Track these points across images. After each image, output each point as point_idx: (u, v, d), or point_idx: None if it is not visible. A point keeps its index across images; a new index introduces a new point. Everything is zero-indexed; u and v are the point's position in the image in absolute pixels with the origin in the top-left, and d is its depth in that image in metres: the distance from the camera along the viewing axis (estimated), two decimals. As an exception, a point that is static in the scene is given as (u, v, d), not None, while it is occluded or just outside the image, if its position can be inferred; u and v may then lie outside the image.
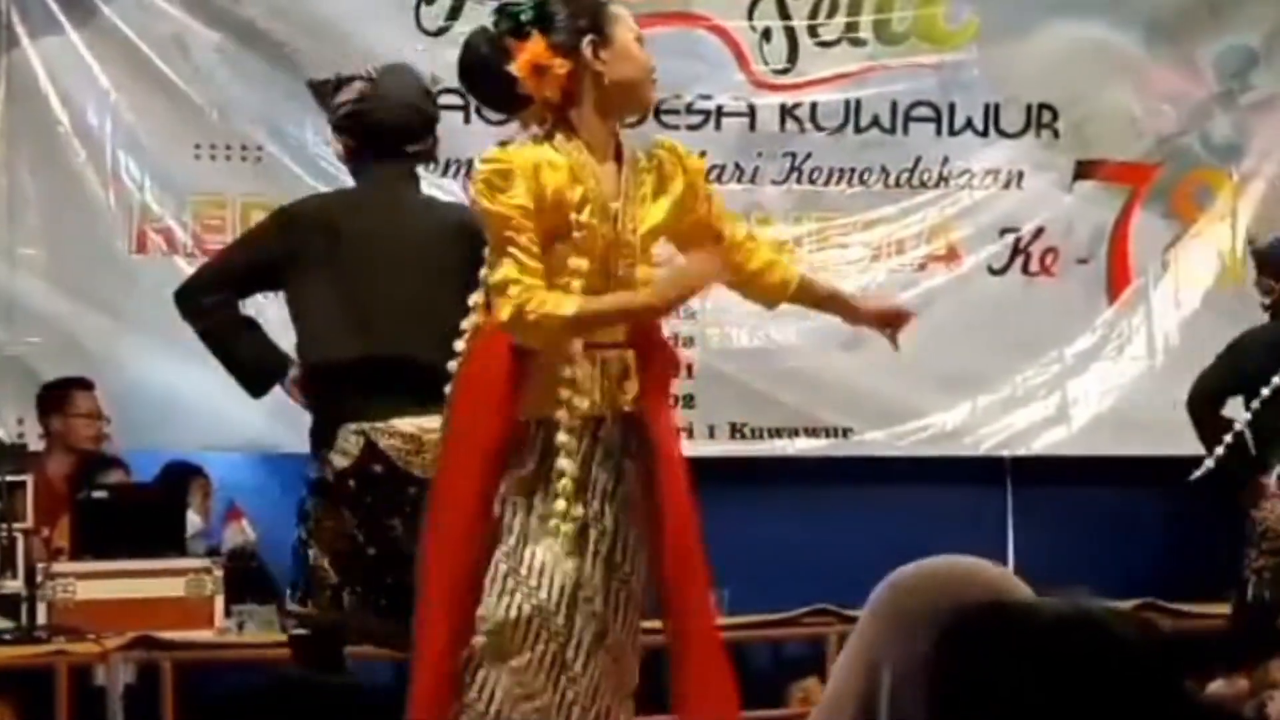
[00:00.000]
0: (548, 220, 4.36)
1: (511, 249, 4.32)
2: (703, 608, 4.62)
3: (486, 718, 4.35)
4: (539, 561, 4.38)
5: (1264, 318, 7.34)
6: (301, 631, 5.38)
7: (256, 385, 5.72)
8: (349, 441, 5.23)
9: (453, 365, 4.58)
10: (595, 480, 4.48)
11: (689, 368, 8.63)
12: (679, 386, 8.61)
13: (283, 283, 5.54)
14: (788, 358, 8.84)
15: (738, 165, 8.83)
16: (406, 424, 5.18)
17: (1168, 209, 9.18)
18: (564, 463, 4.39)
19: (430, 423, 4.96)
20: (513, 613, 4.35)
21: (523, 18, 4.49)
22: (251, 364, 5.64)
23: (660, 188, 4.59)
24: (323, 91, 5.64)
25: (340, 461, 5.25)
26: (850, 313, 5.16)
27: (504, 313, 4.32)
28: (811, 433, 8.89)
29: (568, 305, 4.30)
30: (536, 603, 4.35)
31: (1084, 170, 9.14)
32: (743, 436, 8.83)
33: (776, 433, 8.87)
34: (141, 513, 7.43)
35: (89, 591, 7.04)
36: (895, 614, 2.19)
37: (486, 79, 4.56)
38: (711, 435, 8.74)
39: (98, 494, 7.51)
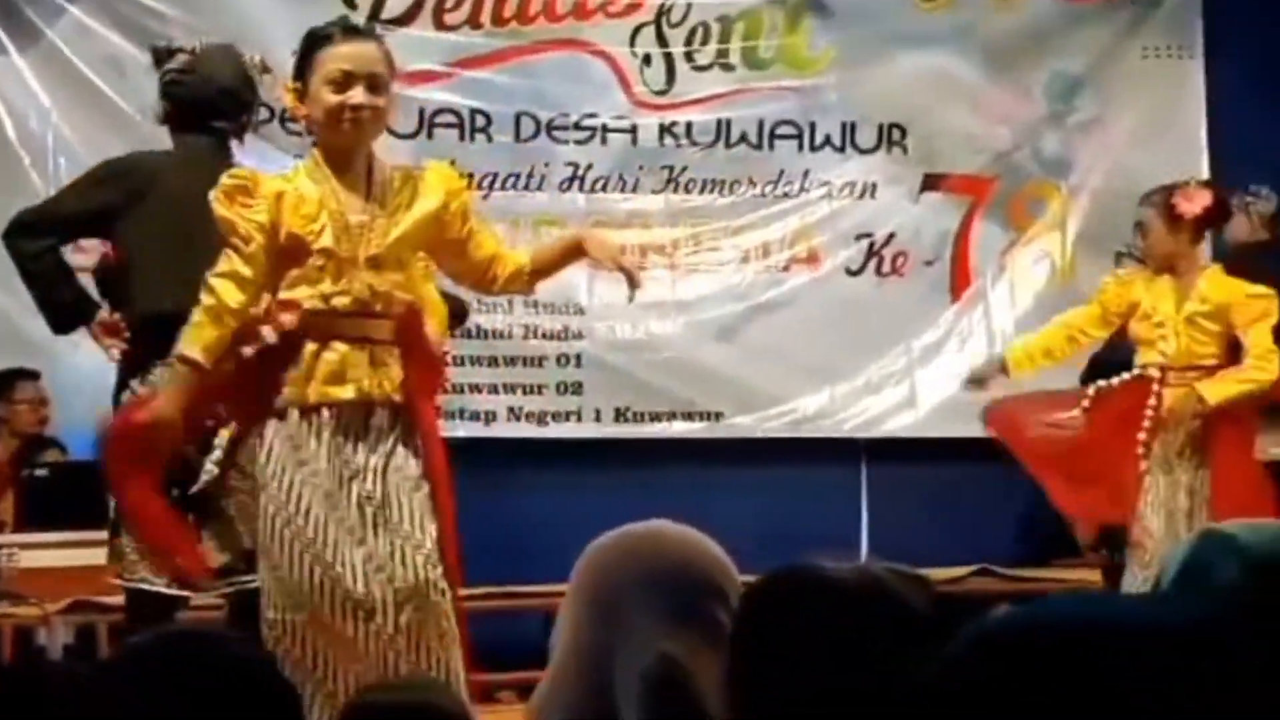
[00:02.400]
0: (282, 237, 4.49)
1: (230, 253, 4.49)
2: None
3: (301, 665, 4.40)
4: (333, 538, 4.42)
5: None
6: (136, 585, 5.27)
7: (65, 324, 5.66)
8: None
9: None
10: (368, 460, 4.52)
11: (578, 358, 8.67)
12: (568, 374, 8.67)
13: (108, 231, 5.50)
14: (666, 349, 8.84)
15: (621, 177, 8.82)
16: None
17: (1004, 218, 9.20)
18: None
19: None
20: (317, 581, 4.41)
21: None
22: (66, 305, 5.57)
23: (411, 203, 4.59)
24: (158, 57, 5.59)
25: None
26: (578, 253, 4.92)
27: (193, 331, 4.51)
28: (688, 417, 8.87)
29: (196, 337, 4.51)
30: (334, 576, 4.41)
31: (930, 183, 9.15)
32: (626, 420, 8.81)
33: (656, 417, 8.85)
34: (79, 489, 7.34)
35: (31, 560, 7.01)
36: (593, 584, 2.18)
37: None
38: (598, 419, 8.74)
39: (39, 472, 7.47)
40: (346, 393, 4.50)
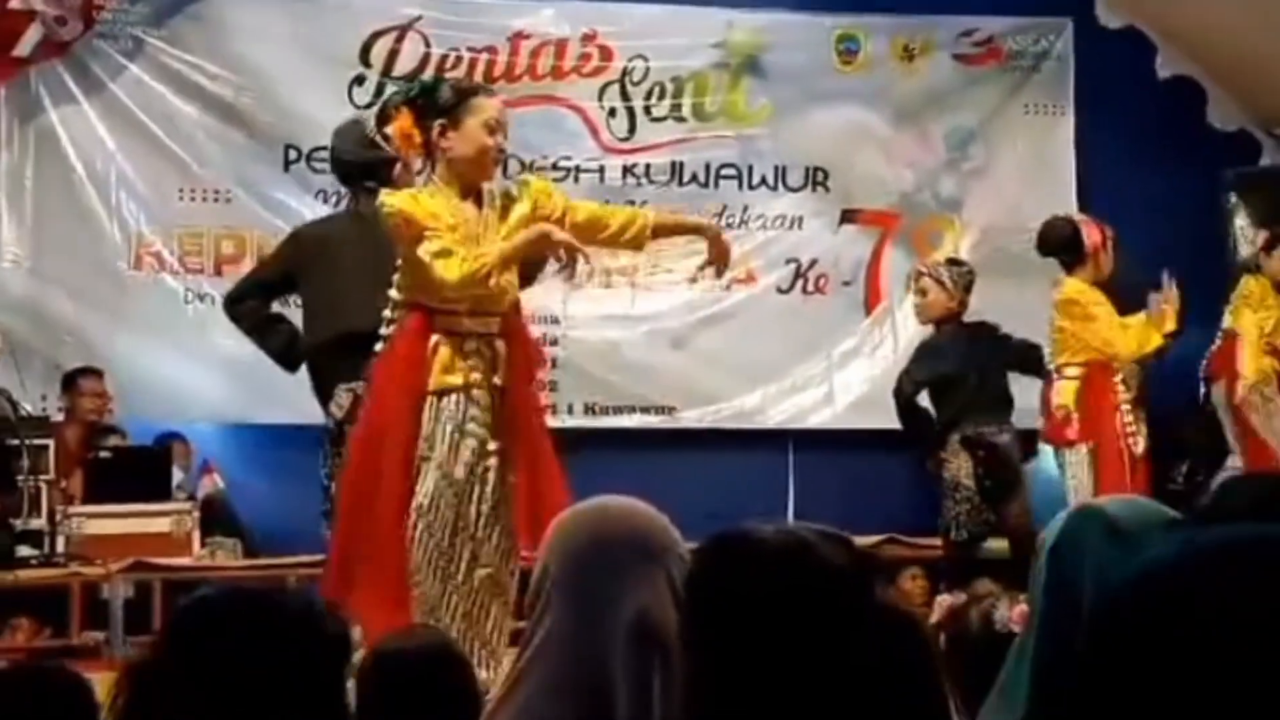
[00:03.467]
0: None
1: (428, 234, 4.41)
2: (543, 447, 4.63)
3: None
4: (430, 500, 4.44)
5: None
6: None
7: (288, 365, 5.74)
8: (342, 398, 5.24)
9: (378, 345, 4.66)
10: (475, 437, 4.51)
11: (553, 360, 8.70)
12: (545, 375, 8.70)
13: (295, 288, 5.71)
14: (628, 354, 8.84)
15: (591, 210, 8.84)
16: None
17: (909, 246, 9.16)
18: (467, 424, 4.47)
19: None
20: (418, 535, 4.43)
21: (405, 95, 4.68)
22: (280, 350, 5.71)
23: (506, 211, 4.62)
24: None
25: (338, 413, 5.26)
26: (696, 232, 5.13)
27: (451, 272, 4.38)
28: (645, 411, 8.85)
29: (487, 255, 4.42)
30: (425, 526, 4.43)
31: (847, 216, 9.15)
32: (593, 413, 8.79)
33: (620, 410, 8.83)
34: (136, 468, 7.38)
35: (96, 528, 7.01)
36: (566, 548, 2.14)
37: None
38: (570, 412, 8.70)
39: (103, 454, 7.44)
40: (457, 379, 4.49)
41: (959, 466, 6.88)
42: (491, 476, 4.53)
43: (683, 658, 1.90)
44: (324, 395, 5.38)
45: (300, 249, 5.65)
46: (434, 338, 4.49)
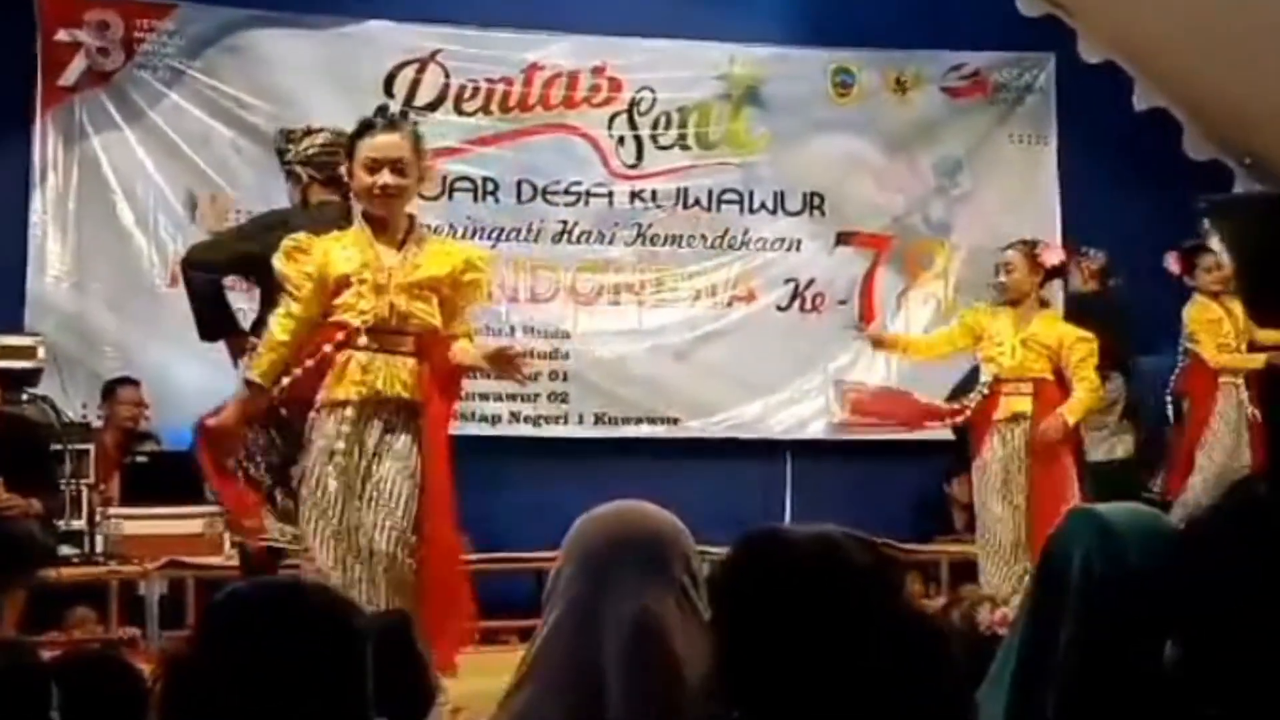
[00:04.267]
0: (331, 280, 4.53)
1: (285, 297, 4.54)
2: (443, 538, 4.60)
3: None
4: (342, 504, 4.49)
5: None
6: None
7: (207, 335, 5.65)
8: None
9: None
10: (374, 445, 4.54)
11: (563, 373, 8.70)
12: (558, 386, 8.70)
13: (249, 275, 5.48)
14: (635, 367, 8.82)
15: (600, 232, 8.84)
16: None
17: (900, 268, 9.19)
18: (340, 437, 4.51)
19: None
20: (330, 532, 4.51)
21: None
22: (208, 322, 5.59)
23: (437, 260, 4.59)
24: (291, 136, 5.52)
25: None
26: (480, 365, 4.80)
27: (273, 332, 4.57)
28: (652, 421, 8.84)
29: (256, 364, 4.61)
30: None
31: (843, 239, 9.14)
32: (602, 423, 8.77)
33: (627, 420, 8.82)
34: (170, 473, 7.33)
35: (133, 529, 7.00)
36: (581, 548, 2.13)
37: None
38: (581, 422, 8.71)
39: (140, 459, 7.46)
40: (360, 391, 4.50)
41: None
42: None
43: (712, 653, 1.89)
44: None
45: (265, 237, 5.23)
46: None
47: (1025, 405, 6.51)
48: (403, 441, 4.54)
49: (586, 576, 2.08)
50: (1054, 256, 6.73)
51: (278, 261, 4.56)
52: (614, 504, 2.19)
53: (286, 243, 4.59)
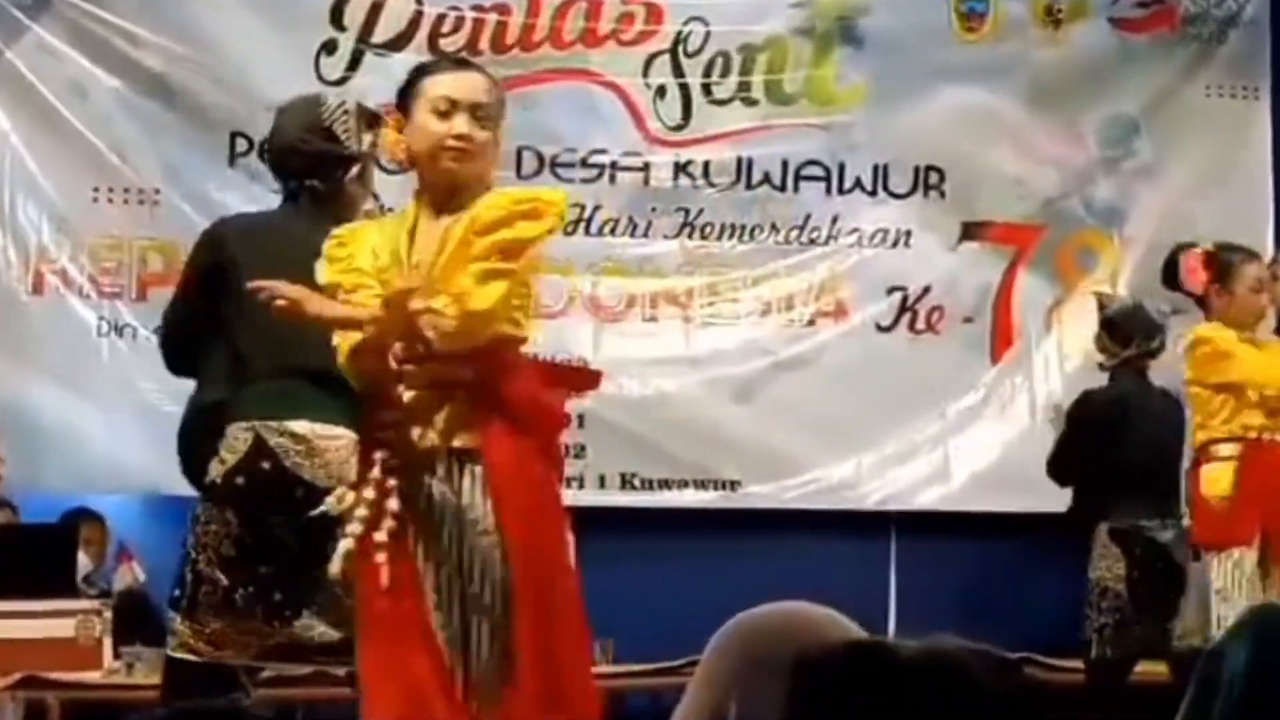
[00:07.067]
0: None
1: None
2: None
3: None
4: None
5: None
6: (183, 655, 5.06)
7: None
8: (238, 439, 5.07)
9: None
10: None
11: (580, 417, 8.68)
12: (570, 436, 8.68)
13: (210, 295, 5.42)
14: (678, 408, 8.87)
15: (631, 219, 8.90)
16: (300, 425, 5.05)
17: (1051, 271, 9.25)
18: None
19: (326, 430, 4.99)
20: None
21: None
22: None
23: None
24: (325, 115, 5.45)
25: (229, 459, 5.07)
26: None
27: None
28: (700, 485, 8.88)
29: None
30: None
31: (970, 231, 9.20)
32: (633, 487, 8.82)
33: (666, 484, 8.86)
34: (31, 553, 7.38)
35: (-23, 631, 7.04)
36: (742, 654, 2.23)
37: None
38: (602, 485, 8.75)
39: (-13, 535, 7.49)
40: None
41: (1110, 566, 6.89)
42: None
43: None
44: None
45: (213, 255, 5.32)
46: None
47: None
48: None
49: (707, 678, 2.30)
50: None
51: (320, 275, 4.42)
52: (773, 605, 2.35)
53: (325, 247, 4.48)
